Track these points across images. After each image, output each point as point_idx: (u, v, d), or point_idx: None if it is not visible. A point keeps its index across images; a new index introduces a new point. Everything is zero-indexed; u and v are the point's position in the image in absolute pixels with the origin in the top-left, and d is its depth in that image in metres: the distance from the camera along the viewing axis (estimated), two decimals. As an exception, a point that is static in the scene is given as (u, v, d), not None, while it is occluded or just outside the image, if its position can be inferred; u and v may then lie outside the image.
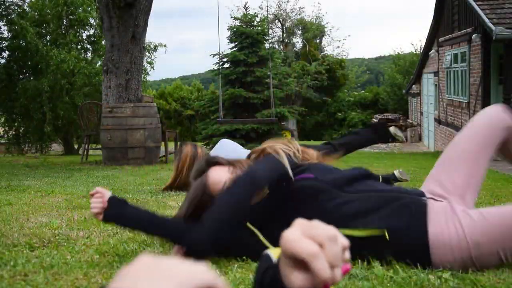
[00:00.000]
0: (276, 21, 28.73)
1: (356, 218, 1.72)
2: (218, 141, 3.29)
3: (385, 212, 1.72)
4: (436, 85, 15.36)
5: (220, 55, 15.73)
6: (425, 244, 1.66)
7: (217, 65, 16.13)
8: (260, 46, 15.77)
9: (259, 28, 16.12)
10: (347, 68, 29.77)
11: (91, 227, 2.45)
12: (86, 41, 16.47)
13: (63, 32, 15.90)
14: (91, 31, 16.35)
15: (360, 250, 1.67)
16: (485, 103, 10.41)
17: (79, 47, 16.32)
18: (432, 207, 1.74)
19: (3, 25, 15.03)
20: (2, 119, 15.99)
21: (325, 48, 29.98)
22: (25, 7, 15.48)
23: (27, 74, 15.65)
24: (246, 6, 17.21)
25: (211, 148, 13.86)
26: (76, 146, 16.91)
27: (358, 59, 49.20)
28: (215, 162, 1.95)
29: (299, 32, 29.29)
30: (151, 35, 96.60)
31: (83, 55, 16.45)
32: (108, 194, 1.80)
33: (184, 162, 3.24)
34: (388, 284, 1.53)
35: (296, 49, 28.97)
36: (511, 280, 1.55)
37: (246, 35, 15.54)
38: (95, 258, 1.87)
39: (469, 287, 1.50)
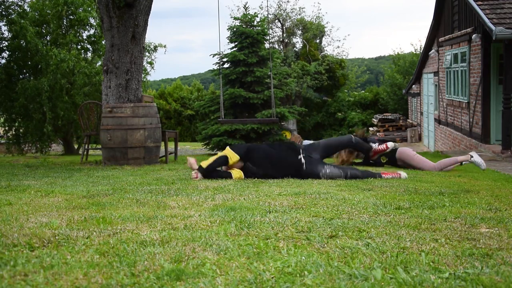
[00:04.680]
0: (276, 21, 28.71)
1: None
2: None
3: None
4: (436, 85, 15.36)
5: (220, 55, 15.72)
6: None
7: (217, 65, 16.12)
8: (260, 46, 15.74)
9: (259, 28, 16.07)
10: (347, 68, 29.71)
11: (91, 227, 2.45)
12: (86, 41, 16.45)
13: (63, 32, 15.89)
14: (91, 31, 16.34)
15: None
16: (485, 103, 10.41)
17: (79, 47, 16.30)
18: None
19: (3, 25, 15.02)
20: (2, 119, 15.96)
21: (325, 48, 29.94)
22: (25, 7, 15.47)
23: (27, 74, 15.63)
24: (246, 6, 17.21)
25: (211, 148, 13.90)
26: (76, 146, 16.90)
27: (358, 59, 49.09)
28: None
29: (299, 32, 29.26)
30: (151, 35, 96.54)
31: (83, 55, 16.44)
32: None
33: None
34: (388, 284, 1.53)
35: (296, 49, 28.94)
36: (512, 279, 1.55)
37: (246, 35, 15.51)
38: (95, 258, 1.87)
39: (470, 287, 1.50)
